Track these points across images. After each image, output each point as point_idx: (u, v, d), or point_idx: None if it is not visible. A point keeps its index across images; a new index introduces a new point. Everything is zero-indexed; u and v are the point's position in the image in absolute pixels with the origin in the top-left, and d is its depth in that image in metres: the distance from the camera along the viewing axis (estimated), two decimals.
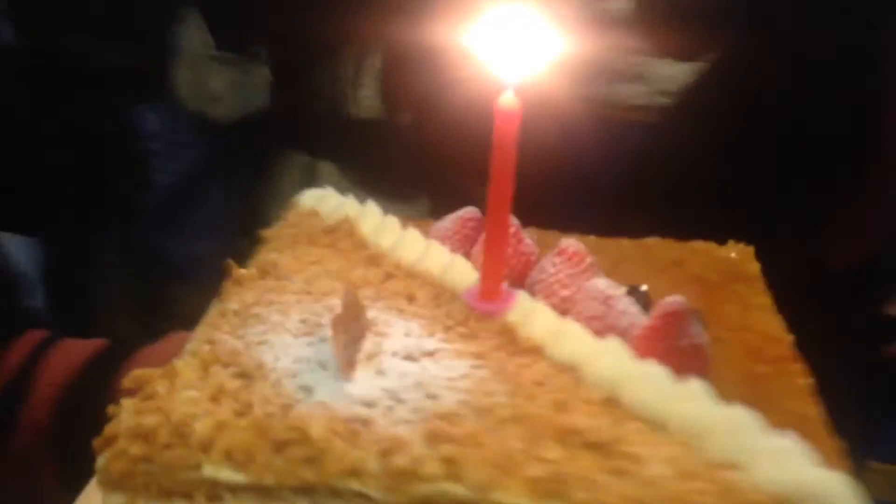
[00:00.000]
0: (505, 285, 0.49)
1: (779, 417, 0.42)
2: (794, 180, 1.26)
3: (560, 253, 0.51)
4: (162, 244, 0.89)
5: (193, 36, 1.01)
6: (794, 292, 1.31)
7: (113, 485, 0.39)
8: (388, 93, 1.16)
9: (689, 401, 0.40)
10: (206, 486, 0.38)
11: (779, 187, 1.27)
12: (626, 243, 0.61)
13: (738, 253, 0.60)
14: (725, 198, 1.35)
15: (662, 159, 1.53)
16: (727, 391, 0.43)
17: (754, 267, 0.58)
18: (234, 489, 0.38)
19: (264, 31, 1.07)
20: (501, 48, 0.44)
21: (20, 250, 0.95)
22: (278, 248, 0.58)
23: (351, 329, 0.45)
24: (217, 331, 0.47)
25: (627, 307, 0.46)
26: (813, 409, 0.43)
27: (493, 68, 0.44)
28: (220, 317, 0.49)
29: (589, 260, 0.50)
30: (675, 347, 0.43)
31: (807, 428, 0.41)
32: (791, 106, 1.23)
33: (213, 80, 0.99)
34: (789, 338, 0.49)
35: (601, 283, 0.47)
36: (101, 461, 0.39)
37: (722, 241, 0.66)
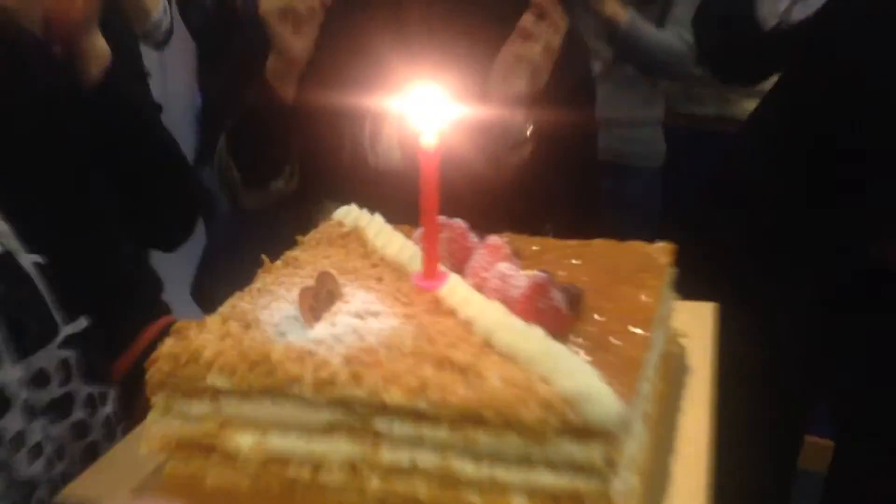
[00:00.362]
0: (444, 269, 0.67)
1: (609, 356, 0.57)
2: (856, 184, 1.33)
3: (485, 246, 0.68)
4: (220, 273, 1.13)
5: (224, 161, 1.26)
6: (858, 295, 1.37)
7: (154, 389, 0.60)
8: (407, 144, 1.33)
9: (531, 341, 0.56)
10: (209, 391, 0.59)
11: (840, 190, 1.34)
12: (572, 243, 0.77)
13: (659, 250, 0.74)
14: (791, 201, 1.42)
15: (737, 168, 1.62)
16: (582, 338, 0.60)
17: (665, 260, 0.72)
18: (225, 393, 0.58)
19: (288, 159, 1.28)
20: (422, 108, 0.62)
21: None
22: (305, 248, 0.79)
23: (320, 296, 0.64)
24: (240, 301, 0.68)
25: (519, 282, 0.63)
26: (640, 354, 0.58)
27: (416, 121, 0.63)
28: (247, 292, 0.70)
29: (504, 251, 0.67)
30: (537, 308, 0.59)
31: (623, 365, 0.56)
32: (851, 113, 1.30)
33: (243, 199, 1.24)
34: (653, 310, 0.64)
35: (503, 267, 0.64)
36: (148, 374, 0.60)
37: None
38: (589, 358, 0.57)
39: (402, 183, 1.34)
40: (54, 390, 0.86)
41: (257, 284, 0.71)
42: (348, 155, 1.32)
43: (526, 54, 1.21)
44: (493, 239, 0.68)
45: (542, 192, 1.32)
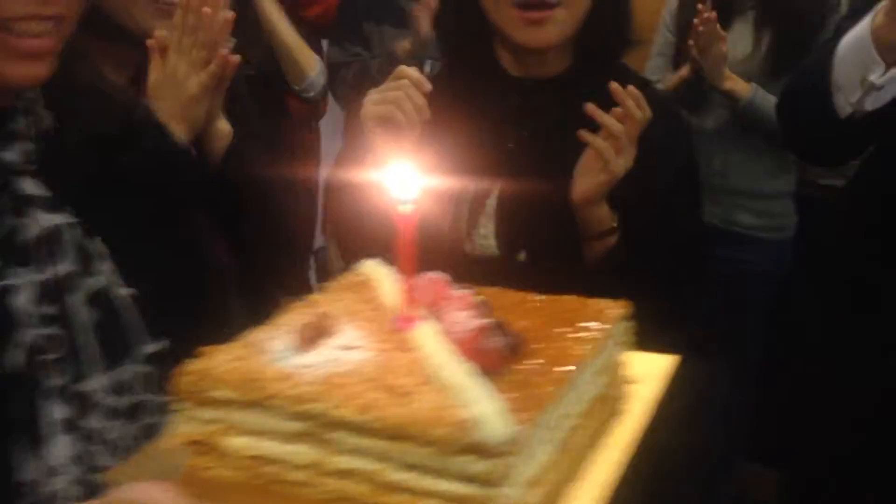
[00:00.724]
0: (422, 314, 0.81)
1: (527, 391, 0.69)
2: None
3: (456, 297, 0.81)
4: None
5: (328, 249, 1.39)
6: None
7: (177, 398, 0.76)
8: (504, 232, 1.39)
9: (460, 375, 0.69)
10: (216, 402, 0.75)
11: None
12: (543, 298, 0.89)
13: (614, 306, 0.85)
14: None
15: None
16: (511, 375, 0.72)
17: (615, 315, 0.83)
18: (229, 403, 0.74)
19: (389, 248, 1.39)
20: (399, 180, 0.77)
21: None
22: (325, 292, 0.94)
23: (316, 332, 0.80)
24: (261, 331, 0.84)
25: (467, 327, 0.76)
26: (554, 392, 0.69)
27: (394, 191, 0.78)
28: (268, 324, 0.86)
29: (470, 302, 0.80)
30: (476, 349, 0.72)
31: (534, 399, 0.68)
32: None
33: None
34: (585, 358, 0.75)
35: (462, 315, 0.77)
36: (174, 386, 0.77)
37: None
38: (510, 391, 0.69)
39: (497, 271, 1.36)
40: (133, 398, 1.06)
41: (277, 318, 0.87)
42: (447, 242, 1.38)
43: (595, 145, 1.27)
44: (463, 292, 0.82)
45: (634, 279, 1.33)
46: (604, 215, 1.34)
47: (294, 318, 0.86)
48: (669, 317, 1.40)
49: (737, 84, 2.46)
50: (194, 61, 1.30)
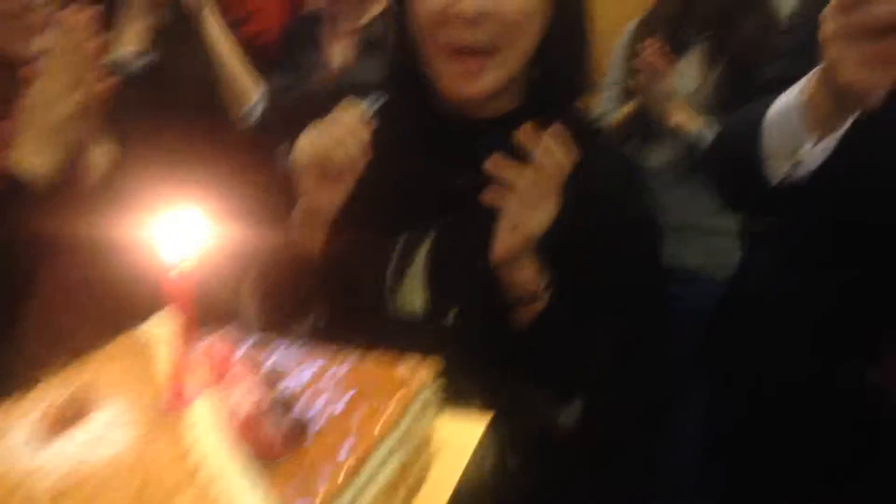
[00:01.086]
0: (198, 390, 0.70)
1: (303, 481, 0.60)
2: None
3: (241, 366, 0.71)
4: None
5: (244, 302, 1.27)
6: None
7: None
8: (432, 289, 1.23)
9: (228, 468, 0.58)
10: None
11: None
12: (345, 356, 0.79)
13: (423, 366, 0.77)
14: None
15: None
16: (294, 463, 0.62)
17: (422, 378, 0.75)
18: None
19: (310, 305, 1.27)
20: (172, 237, 0.66)
21: None
22: (97, 356, 0.81)
23: (67, 413, 0.67)
24: (10, 408, 0.70)
25: (244, 407, 0.65)
26: (332, 483, 0.60)
27: (166, 253, 0.66)
28: (21, 399, 0.72)
29: (256, 372, 0.70)
30: (252, 433, 0.62)
31: (307, 490, 0.59)
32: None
33: None
34: (374, 437, 0.66)
35: (240, 389, 0.67)
36: None
37: None
38: (287, 483, 0.59)
39: (422, 333, 1.16)
40: None
41: (34, 392, 0.74)
42: (371, 299, 1.25)
43: (497, 204, 1.14)
44: (250, 359, 0.71)
45: (575, 343, 1.22)
46: (527, 278, 1.17)
47: (47, 393, 0.73)
48: (622, 375, 1.31)
49: (686, 118, 2.41)
50: (66, 83, 1.29)
